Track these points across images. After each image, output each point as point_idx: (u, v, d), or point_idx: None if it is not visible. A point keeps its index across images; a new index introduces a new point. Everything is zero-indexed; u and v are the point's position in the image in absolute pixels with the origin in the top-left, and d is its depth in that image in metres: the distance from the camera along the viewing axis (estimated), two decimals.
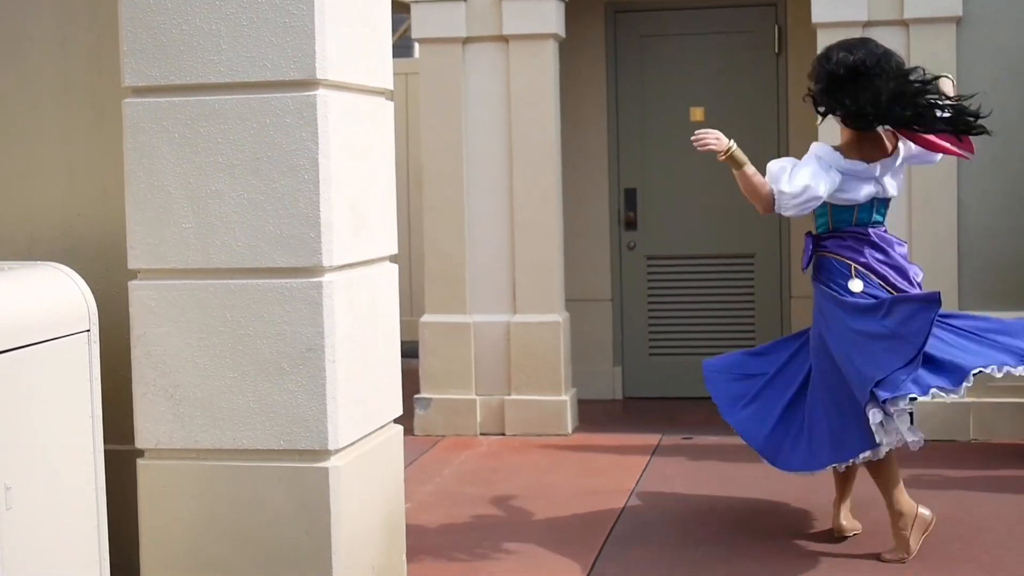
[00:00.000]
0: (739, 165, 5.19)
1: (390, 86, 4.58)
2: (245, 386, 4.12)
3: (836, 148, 5.20)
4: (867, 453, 5.05)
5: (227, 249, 4.10)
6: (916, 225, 7.16)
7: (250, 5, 4.04)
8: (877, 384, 4.85)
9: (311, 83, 4.04)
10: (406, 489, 4.78)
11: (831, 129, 5.67)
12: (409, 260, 9.98)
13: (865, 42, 5.23)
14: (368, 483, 4.34)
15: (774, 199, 5.19)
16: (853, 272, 5.19)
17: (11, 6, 4.56)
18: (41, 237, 4.56)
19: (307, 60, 4.01)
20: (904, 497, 5.18)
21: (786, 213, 5.24)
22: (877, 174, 5.19)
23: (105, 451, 3.95)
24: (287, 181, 4.05)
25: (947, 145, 5.19)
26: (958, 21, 7.14)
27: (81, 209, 4.54)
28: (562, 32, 7.74)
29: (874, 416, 4.90)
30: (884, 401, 4.84)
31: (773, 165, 5.22)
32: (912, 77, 5.09)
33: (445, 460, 7.14)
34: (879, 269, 5.19)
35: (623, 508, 6.05)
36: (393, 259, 4.65)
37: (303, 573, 4.11)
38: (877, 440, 4.97)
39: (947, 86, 5.28)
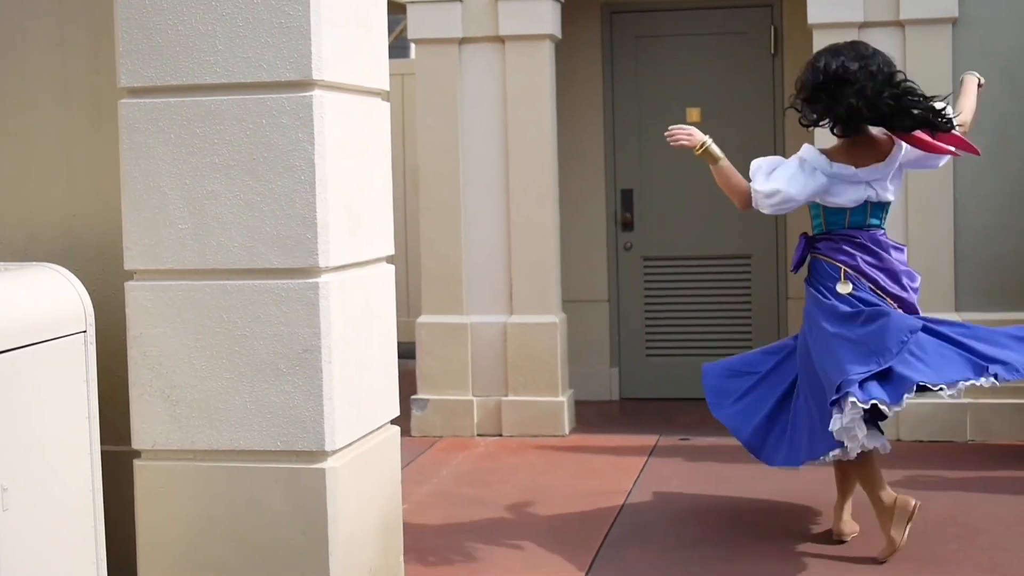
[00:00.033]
0: (714, 160, 5.34)
1: (386, 87, 4.58)
2: (242, 387, 4.11)
3: (824, 151, 5.23)
4: (836, 452, 5.06)
5: (223, 250, 4.10)
6: (913, 226, 7.16)
7: (246, 6, 4.04)
8: (837, 388, 4.89)
9: (307, 84, 4.03)
10: (403, 490, 4.78)
11: (827, 131, 5.66)
12: (406, 261, 9.97)
13: (854, 45, 5.25)
14: (365, 484, 4.34)
15: (751, 195, 5.28)
16: (842, 275, 5.22)
17: (9, 6, 4.56)
18: (38, 237, 4.56)
19: (303, 61, 4.01)
20: (886, 494, 5.17)
21: (763, 211, 5.34)
22: (867, 178, 5.20)
23: (102, 452, 3.95)
24: (283, 182, 4.05)
25: (948, 147, 5.19)
26: (954, 22, 7.15)
27: (78, 209, 4.54)
28: (558, 33, 7.75)
29: (833, 423, 4.92)
30: (832, 403, 4.89)
31: (755, 162, 5.30)
32: (896, 79, 5.10)
33: (442, 461, 7.14)
34: (869, 272, 5.21)
35: (620, 509, 6.05)
36: (389, 260, 4.64)
37: (300, 574, 4.10)
38: (838, 441, 4.98)
39: (972, 83, 5.32)
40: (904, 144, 5.23)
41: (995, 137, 7.02)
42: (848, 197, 5.22)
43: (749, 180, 5.32)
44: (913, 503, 5.13)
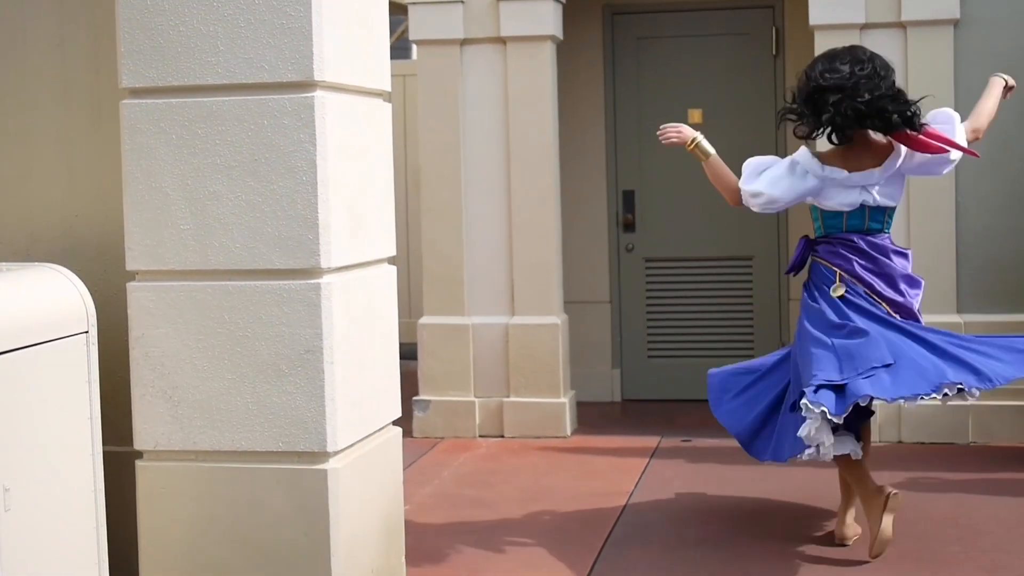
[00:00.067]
0: (704, 156, 5.45)
1: (388, 88, 4.58)
2: (244, 388, 4.11)
3: (818, 154, 5.27)
4: (810, 451, 5.04)
5: (225, 251, 4.10)
6: (914, 228, 7.16)
7: (248, 7, 4.04)
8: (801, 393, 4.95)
9: (309, 85, 4.03)
10: (405, 491, 4.78)
11: None
12: (407, 262, 9.97)
13: (852, 50, 5.29)
14: (367, 485, 4.34)
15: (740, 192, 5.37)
16: (838, 278, 5.24)
17: (10, 6, 4.56)
18: (40, 238, 4.56)
19: (305, 62, 4.01)
20: (870, 494, 5.15)
21: (753, 209, 5.41)
22: (861, 182, 5.22)
23: (104, 452, 3.95)
24: (285, 183, 4.05)
25: (943, 147, 5.20)
26: (956, 24, 7.15)
27: (80, 210, 4.54)
28: (559, 34, 7.75)
29: (802, 428, 4.95)
30: (791, 407, 4.95)
31: (748, 161, 5.38)
32: (878, 83, 5.12)
33: (444, 462, 7.14)
34: (864, 276, 5.23)
35: (622, 510, 6.05)
36: (391, 261, 4.64)
37: (302, 575, 4.10)
38: (806, 443, 4.99)
39: (997, 86, 5.32)
40: (904, 149, 5.22)
41: (996, 139, 7.01)
42: (841, 200, 5.25)
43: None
44: (887, 492, 5.10)
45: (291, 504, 4.09)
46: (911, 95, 7.07)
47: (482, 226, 7.73)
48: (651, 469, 6.84)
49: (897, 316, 5.19)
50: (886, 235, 5.32)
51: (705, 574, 5.12)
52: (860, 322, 5.09)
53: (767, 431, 5.37)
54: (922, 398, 4.91)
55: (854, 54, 5.22)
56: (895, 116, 5.09)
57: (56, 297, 3.82)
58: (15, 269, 3.91)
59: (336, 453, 4.12)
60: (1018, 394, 6.98)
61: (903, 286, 5.25)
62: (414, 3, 7.70)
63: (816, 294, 5.28)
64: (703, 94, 8.45)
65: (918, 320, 5.25)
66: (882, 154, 5.24)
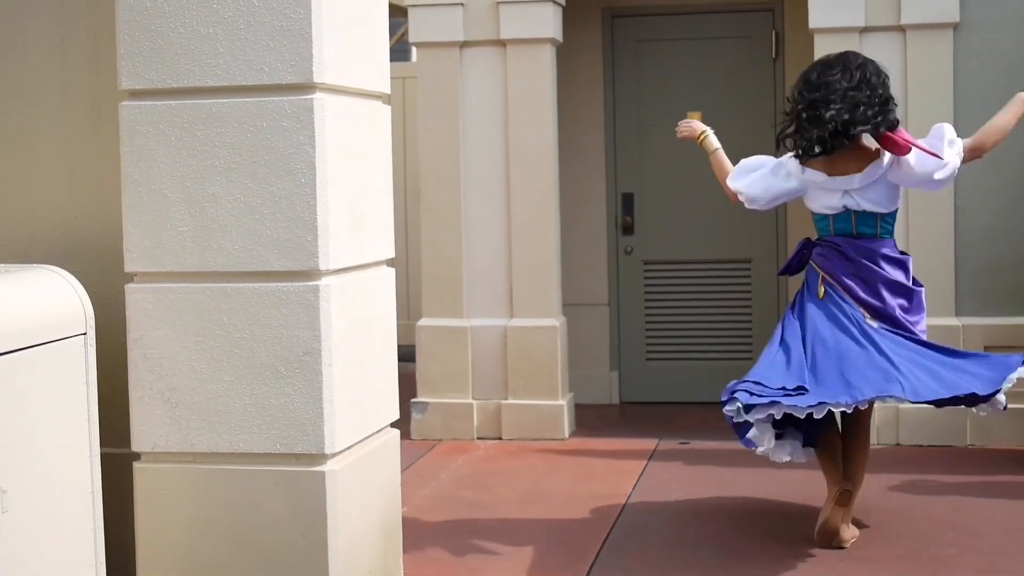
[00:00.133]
0: (708, 150, 5.69)
1: (387, 90, 4.58)
2: (242, 390, 4.11)
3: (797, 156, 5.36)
4: (761, 449, 5.22)
5: (224, 252, 4.10)
6: (914, 229, 7.16)
7: (247, 9, 4.04)
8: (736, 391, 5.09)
9: (308, 87, 4.03)
10: (403, 493, 4.78)
11: None
12: (406, 264, 9.98)
13: (843, 58, 5.34)
14: (365, 487, 4.34)
15: None
16: (820, 280, 5.35)
17: (10, 6, 4.56)
18: (39, 239, 4.56)
19: (304, 64, 4.01)
20: (829, 484, 5.36)
21: (746, 206, 5.61)
22: (842, 187, 5.28)
23: (101, 454, 3.94)
24: (284, 185, 4.05)
25: (907, 148, 5.22)
26: (955, 27, 7.15)
27: (79, 211, 4.54)
28: (559, 36, 7.75)
29: (751, 431, 5.14)
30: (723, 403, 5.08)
31: (745, 159, 5.59)
32: (874, 96, 5.18)
33: (442, 464, 7.14)
34: (843, 280, 5.31)
35: (620, 512, 6.05)
36: (390, 263, 4.65)
37: None
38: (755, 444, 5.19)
39: (1018, 103, 5.30)
40: (888, 156, 5.25)
41: None
42: (823, 203, 5.36)
43: None
44: (842, 487, 5.28)
45: (289, 506, 4.09)
46: (910, 98, 7.15)
47: (481, 228, 7.74)
48: (649, 471, 6.84)
49: (875, 321, 5.23)
50: (883, 240, 5.33)
51: None
52: (811, 332, 5.22)
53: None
54: (839, 407, 5.02)
55: (845, 60, 5.28)
56: (852, 130, 5.17)
57: (54, 299, 3.82)
58: (14, 270, 3.91)
59: (334, 455, 4.12)
60: (1017, 397, 6.97)
61: (884, 292, 5.27)
62: (414, 5, 7.71)
63: (804, 295, 5.41)
64: (703, 97, 8.44)
65: (899, 326, 5.26)
66: (867, 159, 5.27)
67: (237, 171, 4.07)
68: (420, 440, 7.69)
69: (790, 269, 5.60)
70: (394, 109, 5.17)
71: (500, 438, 7.71)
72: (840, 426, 5.50)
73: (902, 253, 5.43)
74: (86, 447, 3.86)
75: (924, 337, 5.33)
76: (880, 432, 7.11)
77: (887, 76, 5.32)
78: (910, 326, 5.28)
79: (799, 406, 4.93)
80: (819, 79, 5.26)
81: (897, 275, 5.31)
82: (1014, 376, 5.07)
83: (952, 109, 7.11)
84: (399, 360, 4.81)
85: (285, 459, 4.11)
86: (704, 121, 8.35)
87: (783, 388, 5.02)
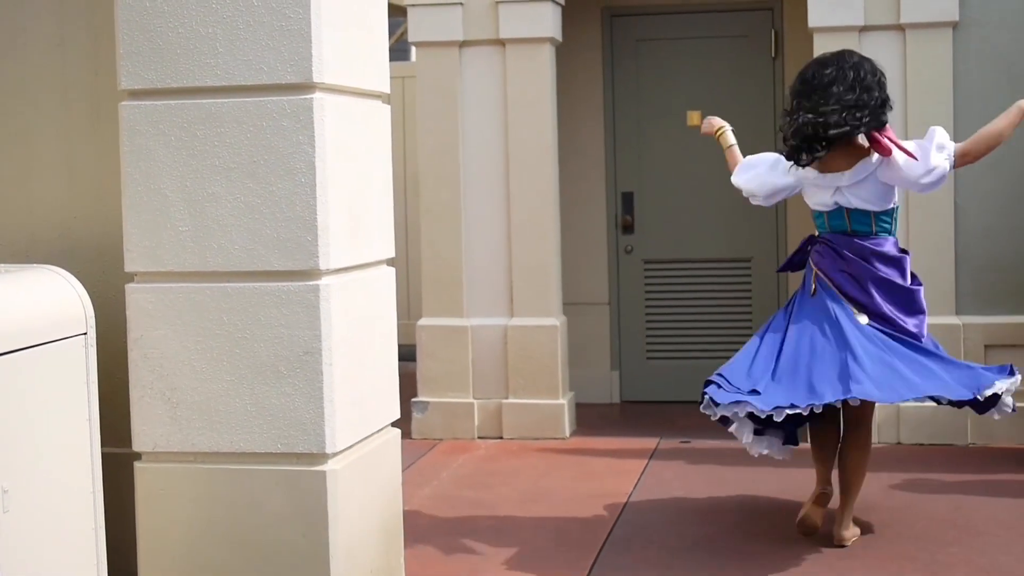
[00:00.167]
0: (724, 145, 5.81)
1: (387, 89, 4.59)
2: (242, 389, 4.11)
3: None
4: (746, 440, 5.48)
5: (224, 252, 4.10)
6: (914, 228, 7.16)
7: (246, 8, 4.04)
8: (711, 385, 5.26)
9: (307, 87, 4.04)
10: (404, 492, 4.78)
11: None
12: (406, 264, 9.98)
13: (838, 56, 5.38)
14: (366, 486, 4.34)
15: None
16: (813, 276, 5.41)
17: (10, 6, 4.56)
18: (39, 239, 4.56)
19: (303, 63, 4.01)
20: (816, 482, 5.53)
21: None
22: (833, 184, 5.32)
23: (102, 454, 3.94)
24: (284, 184, 4.05)
25: (888, 148, 5.23)
26: (954, 26, 7.15)
27: (79, 211, 4.54)
28: (558, 36, 7.75)
29: (733, 425, 5.38)
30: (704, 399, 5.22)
31: (750, 156, 5.69)
32: (851, 98, 5.20)
33: (443, 463, 7.14)
34: (834, 276, 5.35)
35: (621, 511, 6.05)
36: (390, 262, 4.65)
37: None
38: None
39: (1015, 112, 5.29)
40: (875, 154, 5.27)
41: None
42: (816, 200, 5.43)
43: None
44: (824, 489, 5.44)
45: (290, 505, 4.09)
46: (909, 98, 7.15)
47: (481, 228, 7.74)
48: (650, 470, 6.85)
49: (864, 316, 5.26)
50: (879, 238, 5.33)
51: (704, 575, 5.12)
52: (793, 331, 5.31)
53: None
54: (793, 411, 5.06)
55: (840, 59, 5.31)
56: (830, 133, 5.21)
57: (55, 299, 3.82)
58: (14, 270, 3.91)
59: (335, 454, 4.12)
60: (1018, 396, 6.97)
61: (873, 290, 5.29)
62: (413, 5, 7.71)
63: (799, 292, 5.48)
64: (702, 96, 8.45)
65: (890, 323, 5.26)
66: (857, 157, 5.28)
67: (237, 171, 4.07)
68: (421, 439, 7.69)
69: (791, 265, 5.66)
70: (393, 109, 5.17)
71: (501, 437, 7.71)
72: (842, 423, 5.51)
73: (902, 251, 5.42)
74: (87, 447, 3.86)
75: (923, 336, 5.32)
76: (881, 430, 7.11)
77: (883, 74, 5.33)
78: (903, 324, 5.28)
79: (759, 408, 5.01)
80: (813, 78, 5.29)
81: (890, 273, 5.31)
82: (988, 392, 5.10)
83: (951, 108, 7.11)
84: (399, 359, 4.81)
85: (286, 459, 4.12)
86: (702, 121, 8.43)
87: (739, 388, 5.13)
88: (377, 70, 4.49)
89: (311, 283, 4.06)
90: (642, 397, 8.64)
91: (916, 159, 5.19)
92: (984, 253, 7.19)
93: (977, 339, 7.06)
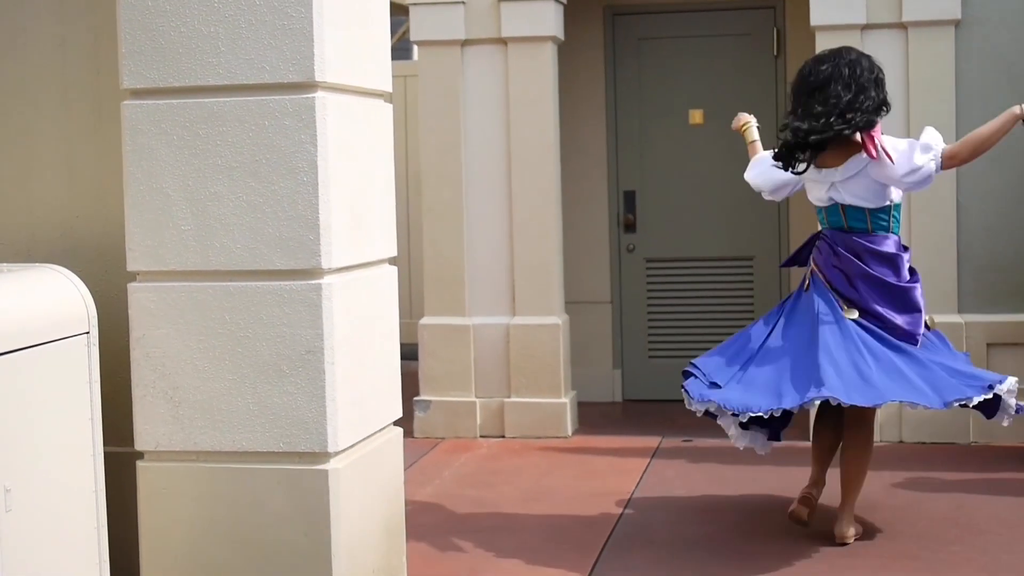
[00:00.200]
0: (747, 141, 5.90)
1: (389, 88, 4.58)
2: (244, 388, 4.11)
3: None
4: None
5: (226, 251, 4.10)
6: (916, 226, 7.16)
7: (248, 7, 4.04)
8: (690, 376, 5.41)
9: (310, 85, 4.03)
10: (406, 491, 4.78)
11: None
12: (408, 262, 9.98)
13: (835, 54, 5.40)
14: (368, 485, 4.34)
15: None
16: (809, 271, 5.50)
17: (10, 6, 4.56)
18: (41, 238, 4.56)
19: (306, 62, 4.01)
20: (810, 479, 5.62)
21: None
22: (828, 179, 5.37)
23: (105, 453, 3.95)
24: (286, 183, 4.05)
25: (871, 150, 5.24)
26: (957, 24, 7.14)
27: (80, 210, 4.54)
28: (560, 34, 7.75)
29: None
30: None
31: (764, 152, 5.79)
32: (845, 98, 5.24)
33: (445, 462, 7.14)
34: (828, 272, 5.40)
35: (623, 510, 6.05)
36: (392, 261, 4.64)
37: None
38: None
39: (1007, 117, 5.29)
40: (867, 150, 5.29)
41: None
42: (814, 195, 5.50)
43: None
44: (808, 492, 5.51)
45: (292, 505, 4.10)
46: (911, 96, 7.15)
47: (483, 226, 7.73)
48: (652, 469, 6.85)
49: (853, 312, 5.28)
50: (875, 235, 5.33)
51: (706, 574, 5.12)
52: (777, 328, 5.41)
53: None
54: (762, 412, 5.13)
55: (838, 57, 5.36)
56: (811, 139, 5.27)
57: (57, 298, 3.82)
58: (16, 270, 3.92)
59: (337, 453, 4.12)
60: (1019, 395, 6.97)
61: (861, 287, 5.30)
62: (415, 4, 7.71)
63: (800, 287, 5.54)
64: (704, 95, 8.45)
65: (878, 319, 5.27)
66: (849, 153, 5.29)
67: (239, 170, 4.07)
68: (423, 438, 7.69)
69: (796, 260, 5.71)
70: (395, 108, 5.18)
71: (503, 436, 7.71)
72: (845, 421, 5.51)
73: (903, 248, 5.41)
74: (89, 446, 3.87)
75: (918, 334, 5.30)
76: (883, 429, 7.11)
77: (881, 71, 5.34)
78: (893, 321, 5.27)
79: (724, 406, 5.15)
80: (810, 75, 5.35)
81: (881, 271, 5.31)
82: (954, 403, 5.11)
83: (954, 107, 7.11)
84: (401, 358, 4.81)
85: (288, 458, 4.12)
86: (704, 119, 8.48)
87: (712, 380, 5.28)
88: (379, 69, 4.49)
89: (313, 282, 4.06)
90: (644, 396, 8.63)
91: (892, 162, 5.20)
92: (986, 252, 7.18)
93: (979, 337, 7.06)
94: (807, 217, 7.76)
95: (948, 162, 5.27)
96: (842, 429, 5.51)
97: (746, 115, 5.97)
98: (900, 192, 5.40)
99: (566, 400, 7.72)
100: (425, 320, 7.81)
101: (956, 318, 7.10)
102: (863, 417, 5.43)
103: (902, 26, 7.17)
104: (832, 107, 5.21)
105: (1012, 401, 5.25)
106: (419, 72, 7.86)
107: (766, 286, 8.48)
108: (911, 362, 5.20)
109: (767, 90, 8.40)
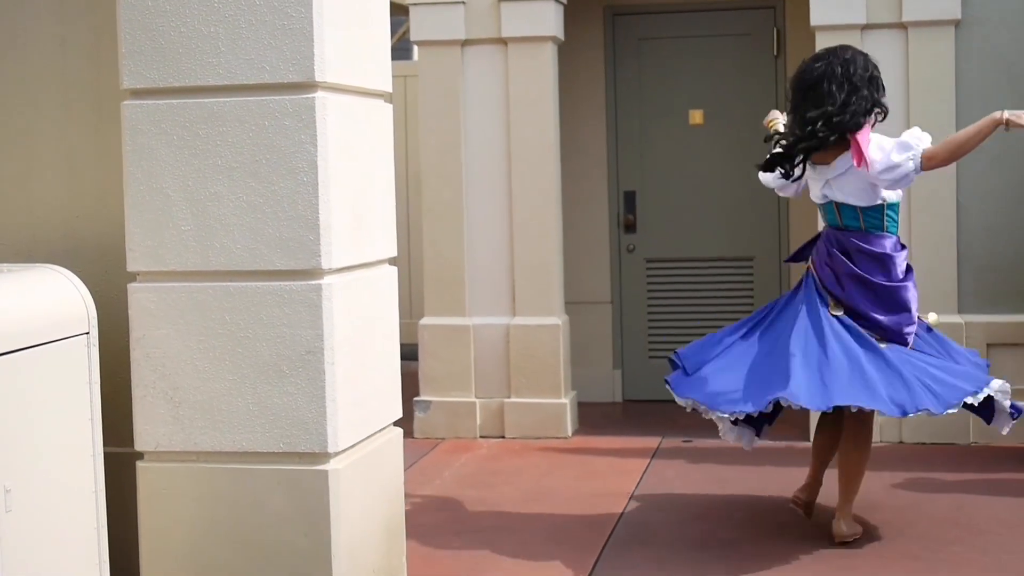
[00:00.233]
0: (768, 138, 5.76)
1: (389, 88, 4.58)
2: (244, 389, 4.11)
3: None
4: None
5: (226, 252, 4.10)
6: (916, 226, 7.16)
7: (248, 7, 4.04)
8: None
9: (310, 86, 4.03)
10: (406, 491, 4.78)
11: None
12: (408, 263, 9.98)
13: (831, 52, 5.42)
14: (368, 486, 4.34)
15: None
16: (805, 269, 5.53)
17: (10, 6, 4.56)
18: (41, 238, 4.56)
19: (306, 62, 4.01)
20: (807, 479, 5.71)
21: None
22: (823, 176, 5.40)
23: (105, 453, 3.95)
24: (286, 183, 4.05)
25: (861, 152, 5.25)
26: (956, 24, 7.14)
27: (81, 210, 4.54)
28: (561, 35, 7.75)
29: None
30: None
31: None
32: (856, 94, 5.26)
33: (445, 463, 7.14)
34: (820, 270, 5.43)
35: (623, 511, 6.05)
36: (392, 262, 4.64)
37: None
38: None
39: (986, 122, 5.29)
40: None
41: (998, 139, 6.99)
42: (813, 192, 5.53)
43: None
44: (797, 495, 5.63)
45: (292, 505, 4.09)
46: (911, 96, 7.16)
47: (483, 227, 7.73)
48: (652, 469, 6.84)
49: (839, 310, 5.28)
50: (869, 234, 5.33)
51: (706, 574, 5.12)
52: (763, 327, 5.47)
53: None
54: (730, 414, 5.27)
55: (831, 56, 5.38)
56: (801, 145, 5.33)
57: (57, 298, 3.82)
58: (16, 270, 3.92)
59: (337, 454, 4.12)
60: (1019, 395, 6.97)
61: (847, 284, 5.31)
62: (415, 4, 7.71)
63: (796, 285, 5.58)
64: (704, 95, 8.45)
65: (861, 318, 5.27)
66: (842, 150, 5.30)
67: (239, 170, 4.07)
68: (423, 439, 7.69)
69: (799, 257, 5.73)
70: (395, 108, 5.18)
71: (503, 436, 7.71)
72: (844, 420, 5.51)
73: (900, 247, 5.40)
74: (89, 446, 3.86)
75: (906, 333, 5.29)
76: (883, 430, 7.11)
77: (876, 68, 5.34)
78: (878, 321, 5.25)
79: (701, 404, 5.27)
80: (804, 73, 5.37)
81: (868, 270, 5.29)
82: (915, 413, 5.08)
83: (954, 107, 7.11)
84: (401, 359, 4.81)
85: (288, 458, 4.11)
86: (704, 119, 8.50)
87: (691, 369, 5.40)
88: (379, 69, 4.49)
89: (313, 282, 4.06)
90: (644, 396, 8.63)
91: (867, 168, 5.19)
92: (986, 252, 7.18)
93: (979, 337, 7.05)
94: (807, 217, 7.76)
95: (927, 163, 5.19)
96: (841, 429, 5.51)
97: (775, 111, 5.98)
98: (898, 192, 5.38)
99: (566, 400, 7.72)
100: (425, 320, 7.81)
101: (956, 318, 7.09)
102: (862, 416, 5.42)
103: (902, 26, 7.17)
104: (823, 111, 5.20)
105: (1006, 402, 5.24)
106: (419, 72, 7.86)
107: (766, 286, 8.47)
108: (882, 366, 5.13)
109: (767, 90, 8.40)
